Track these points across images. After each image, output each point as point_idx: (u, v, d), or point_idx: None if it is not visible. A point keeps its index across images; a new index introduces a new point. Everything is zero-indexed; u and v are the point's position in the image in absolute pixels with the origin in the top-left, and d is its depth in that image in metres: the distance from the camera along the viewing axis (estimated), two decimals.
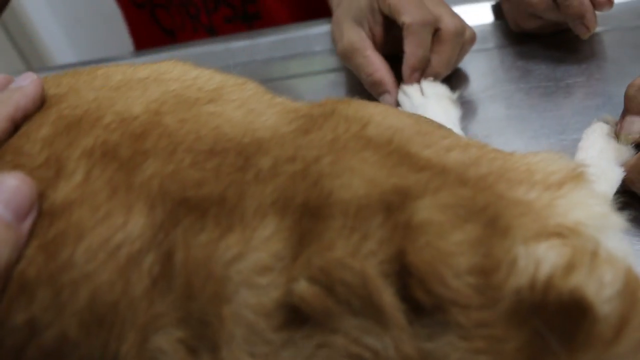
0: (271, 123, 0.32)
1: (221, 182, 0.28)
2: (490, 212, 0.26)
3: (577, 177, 0.31)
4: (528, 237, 0.26)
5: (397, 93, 0.68)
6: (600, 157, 0.56)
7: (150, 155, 0.30)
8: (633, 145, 0.54)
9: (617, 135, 0.56)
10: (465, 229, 0.25)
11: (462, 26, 0.67)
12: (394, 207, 0.26)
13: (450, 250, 0.24)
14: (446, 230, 0.25)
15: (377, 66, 0.68)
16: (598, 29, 0.76)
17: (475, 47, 0.73)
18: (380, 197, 0.26)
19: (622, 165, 0.54)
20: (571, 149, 0.59)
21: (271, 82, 0.81)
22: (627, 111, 0.55)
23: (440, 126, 0.40)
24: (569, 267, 0.24)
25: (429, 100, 0.65)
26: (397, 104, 0.68)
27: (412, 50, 0.66)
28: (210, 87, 0.36)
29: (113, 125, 0.32)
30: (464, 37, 0.68)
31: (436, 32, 0.67)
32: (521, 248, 0.25)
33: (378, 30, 0.70)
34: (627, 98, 0.55)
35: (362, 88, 0.71)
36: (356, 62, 0.69)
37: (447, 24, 0.66)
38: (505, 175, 0.30)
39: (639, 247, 0.52)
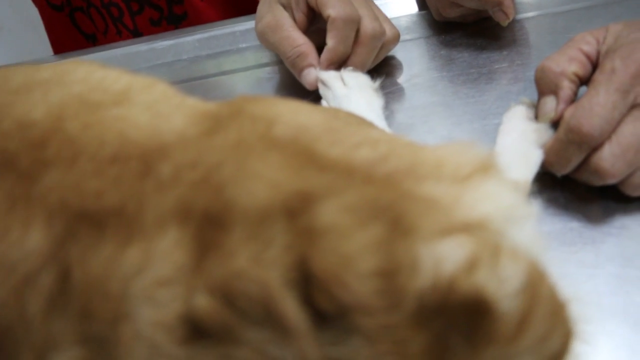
0: (178, 126, 0.31)
1: (121, 192, 0.27)
2: (394, 211, 0.26)
3: (487, 167, 0.31)
4: (431, 235, 0.25)
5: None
6: (520, 140, 0.57)
7: (51, 165, 0.29)
8: (551, 125, 0.55)
9: (537, 117, 0.57)
10: (368, 230, 0.25)
11: (380, 30, 0.67)
12: (296, 211, 0.25)
13: (351, 253, 0.24)
14: (348, 233, 0.25)
15: (301, 40, 0.68)
16: (519, 16, 0.77)
17: (401, 37, 0.73)
18: (282, 202, 0.25)
19: (542, 147, 0.55)
20: (493, 133, 0.60)
21: (198, 80, 0.80)
22: (540, 93, 0.56)
23: (354, 121, 0.39)
24: (471, 265, 0.25)
25: (351, 91, 0.65)
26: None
27: (333, 45, 0.66)
28: (116, 89, 0.35)
29: (12, 132, 0.31)
30: (383, 40, 0.69)
31: (356, 33, 0.67)
32: (423, 247, 0.25)
33: (300, 17, 0.69)
34: (536, 81, 0.56)
35: (296, 81, 0.70)
36: (280, 36, 0.69)
37: (366, 27, 0.66)
38: (413, 171, 0.30)
39: (559, 226, 0.53)
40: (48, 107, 0.32)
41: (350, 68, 0.67)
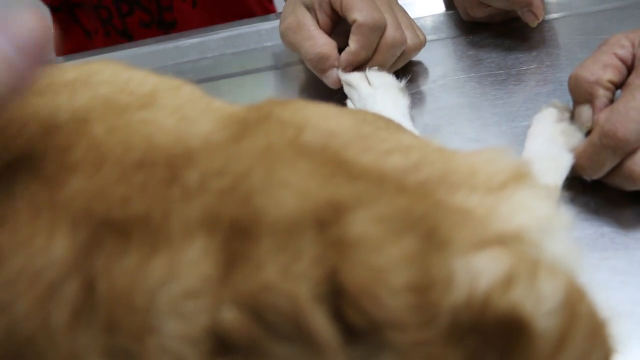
0: (204, 131, 0.31)
1: (147, 199, 0.26)
2: (428, 223, 0.25)
3: (521, 176, 0.31)
4: (466, 248, 0.25)
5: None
6: (550, 144, 0.56)
7: (76, 170, 0.28)
8: (586, 132, 0.54)
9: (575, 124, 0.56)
10: (401, 243, 0.24)
11: (400, 40, 0.66)
12: (327, 222, 0.24)
13: (384, 267, 0.23)
14: (381, 246, 0.24)
15: (323, 41, 0.67)
16: (548, 17, 0.76)
17: (428, 37, 0.72)
18: (312, 212, 0.25)
19: (572, 151, 0.53)
20: (522, 136, 0.59)
21: (223, 79, 0.80)
22: (575, 102, 0.55)
23: (383, 125, 0.38)
24: (508, 280, 0.24)
25: (376, 91, 0.64)
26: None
27: (356, 50, 0.65)
28: (143, 91, 0.34)
29: (37, 136, 0.30)
30: (403, 48, 0.68)
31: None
32: (458, 261, 0.24)
33: (323, 18, 0.69)
34: (570, 90, 0.55)
35: (318, 81, 0.70)
36: (301, 36, 0.68)
37: (386, 35, 0.66)
38: (446, 179, 0.29)
39: (590, 231, 0.52)
40: (74, 110, 0.32)
41: (375, 68, 0.66)
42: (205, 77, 0.81)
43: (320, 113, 0.33)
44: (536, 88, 0.67)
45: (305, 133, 0.29)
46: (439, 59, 0.75)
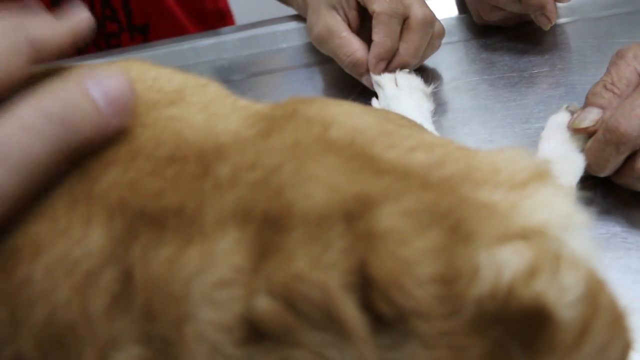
0: (233, 127, 0.31)
1: (180, 192, 0.27)
2: (454, 217, 0.26)
3: (542, 175, 0.31)
4: (491, 241, 0.25)
5: None
6: (563, 146, 0.57)
7: (111, 164, 0.29)
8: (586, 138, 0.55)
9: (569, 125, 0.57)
10: (428, 236, 0.25)
11: (431, 16, 0.67)
12: (355, 215, 0.25)
13: (411, 259, 0.24)
14: (408, 238, 0.25)
15: (356, 46, 0.68)
16: (560, 20, 0.77)
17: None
18: (341, 205, 0.26)
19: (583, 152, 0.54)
20: (535, 138, 0.60)
21: (238, 81, 0.81)
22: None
23: (406, 123, 0.39)
24: (531, 272, 0.24)
25: (401, 92, 0.65)
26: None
27: (380, 40, 0.65)
28: (170, 88, 0.35)
29: None
30: (433, 28, 0.68)
31: (405, 21, 0.66)
32: (483, 254, 0.25)
33: (353, 14, 0.69)
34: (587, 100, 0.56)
35: (337, 81, 0.70)
36: (333, 44, 0.68)
37: (416, 13, 0.66)
38: (469, 176, 0.30)
39: (602, 231, 0.52)
40: None
41: (406, 70, 0.67)
42: (221, 78, 0.81)
43: (345, 110, 0.33)
44: (548, 91, 0.68)
45: (332, 129, 0.30)
46: (452, 61, 0.76)
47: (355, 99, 0.66)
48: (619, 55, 0.56)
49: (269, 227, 0.25)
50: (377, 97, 0.68)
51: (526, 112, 0.66)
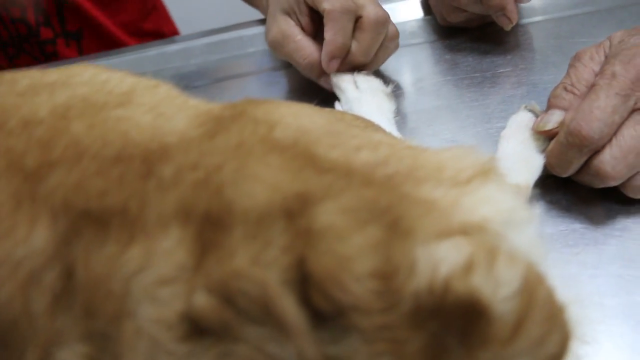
0: (180, 127, 0.32)
1: (124, 192, 0.27)
2: (393, 214, 0.26)
3: (486, 172, 0.32)
4: (429, 237, 0.26)
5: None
6: (522, 146, 0.57)
7: (56, 165, 0.29)
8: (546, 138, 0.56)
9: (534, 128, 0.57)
10: (366, 232, 0.25)
11: (384, 17, 0.66)
12: (295, 213, 0.26)
13: (349, 255, 0.24)
14: (346, 235, 0.25)
15: (311, 49, 0.68)
16: (523, 21, 0.78)
17: (405, 42, 0.74)
18: (282, 204, 0.26)
19: (543, 152, 0.55)
20: (497, 136, 0.61)
21: (206, 85, 0.81)
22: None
23: (360, 124, 0.40)
24: (468, 267, 0.25)
25: (363, 94, 0.65)
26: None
27: (330, 38, 0.65)
28: (120, 90, 0.35)
29: (18, 132, 0.31)
30: (387, 29, 0.68)
31: (358, 20, 0.66)
32: (421, 249, 0.25)
33: (305, 20, 0.69)
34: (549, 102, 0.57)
35: (302, 85, 0.71)
36: (289, 48, 0.69)
37: (369, 12, 0.65)
38: (413, 174, 0.30)
39: (561, 227, 0.53)
40: (53, 107, 0.33)
41: (364, 72, 0.67)
42: (188, 83, 0.82)
43: (293, 111, 0.34)
44: (511, 90, 0.69)
45: (277, 130, 0.31)
46: (417, 62, 0.77)
47: (320, 103, 0.67)
48: (576, 58, 0.57)
49: (210, 225, 0.26)
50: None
51: (488, 111, 0.67)
